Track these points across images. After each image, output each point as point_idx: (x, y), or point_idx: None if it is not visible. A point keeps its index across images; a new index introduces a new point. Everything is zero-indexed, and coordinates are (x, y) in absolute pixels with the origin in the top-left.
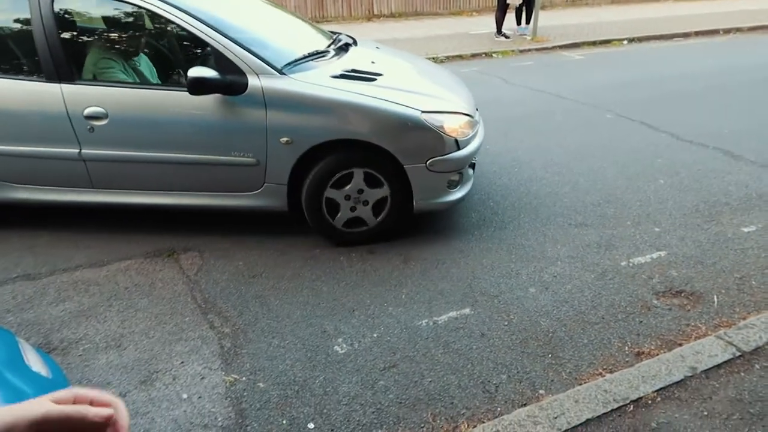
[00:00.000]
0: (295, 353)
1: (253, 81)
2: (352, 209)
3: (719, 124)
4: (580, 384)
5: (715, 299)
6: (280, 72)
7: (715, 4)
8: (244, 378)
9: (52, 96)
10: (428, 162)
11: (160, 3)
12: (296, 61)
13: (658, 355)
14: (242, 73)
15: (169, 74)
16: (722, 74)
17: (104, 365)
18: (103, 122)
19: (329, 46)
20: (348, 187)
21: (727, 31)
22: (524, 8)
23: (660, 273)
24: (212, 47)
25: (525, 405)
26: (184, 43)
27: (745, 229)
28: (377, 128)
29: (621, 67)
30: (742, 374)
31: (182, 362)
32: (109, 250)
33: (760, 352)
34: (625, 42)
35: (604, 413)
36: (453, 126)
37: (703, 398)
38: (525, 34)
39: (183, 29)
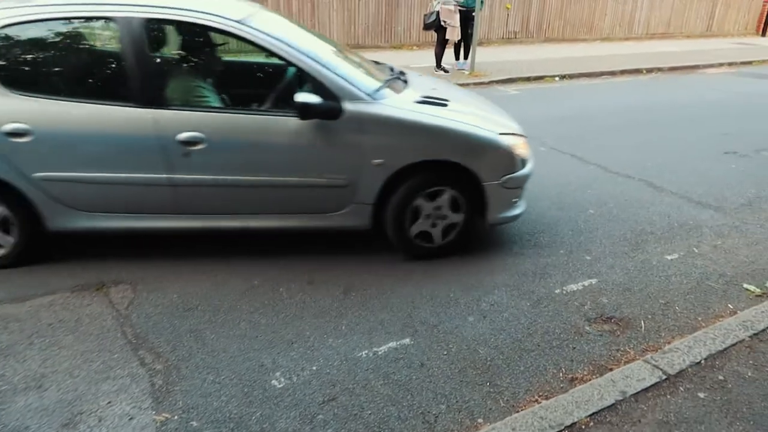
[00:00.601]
0: (231, 389)
1: (346, 106)
2: (434, 225)
3: (643, 158)
4: (518, 411)
5: (643, 324)
6: (371, 98)
7: (638, 45)
8: (176, 417)
9: (142, 121)
10: (502, 179)
11: (254, 32)
12: (379, 88)
13: (590, 380)
14: (337, 99)
15: (264, 100)
16: (646, 111)
17: (22, 408)
18: (200, 147)
19: (392, 75)
20: (431, 204)
21: (650, 71)
22: (462, 44)
23: (591, 300)
24: (309, 74)
25: None
26: (277, 70)
27: (669, 257)
28: (462, 149)
29: (553, 102)
30: (668, 397)
31: (109, 402)
32: (32, 283)
33: (684, 375)
34: (557, 78)
35: None
36: (519, 146)
37: (632, 422)
38: (463, 69)
39: (280, 57)
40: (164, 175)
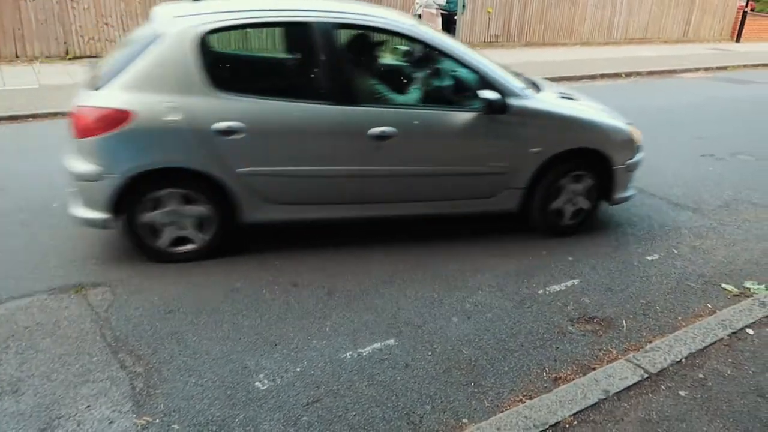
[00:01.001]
0: (214, 391)
1: (510, 101)
2: (568, 204)
3: None
4: (502, 411)
5: (624, 324)
6: (523, 95)
7: (617, 50)
8: (157, 420)
9: (338, 118)
10: (626, 163)
11: (433, 37)
12: (524, 87)
13: (573, 379)
14: (504, 95)
15: (443, 97)
16: (625, 114)
17: None
18: (390, 141)
19: (523, 76)
20: (571, 186)
21: (629, 75)
22: None
23: (574, 300)
24: (481, 74)
25: None
26: (452, 70)
27: (649, 258)
28: (601, 138)
29: None
30: (650, 395)
31: (88, 406)
32: (7, 286)
33: (665, 374)
34: None
35: None
36: (637, 134)
37: (615, 420)
38: None
39: (454, 58)
40: (355, 167)
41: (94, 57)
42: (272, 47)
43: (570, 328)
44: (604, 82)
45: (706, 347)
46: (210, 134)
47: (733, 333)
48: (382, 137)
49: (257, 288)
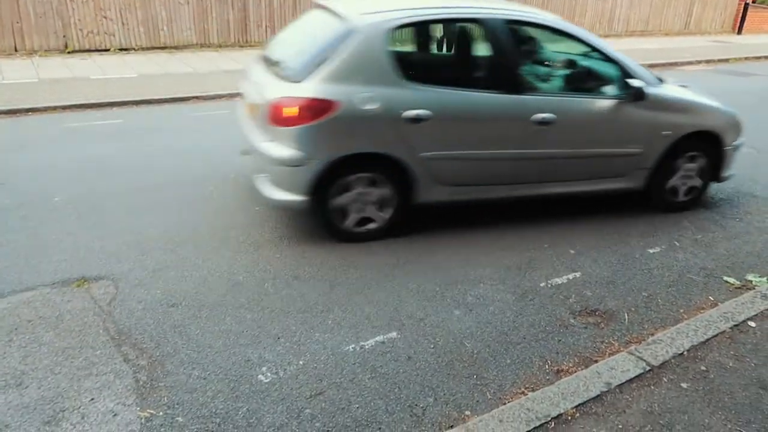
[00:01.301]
0: (217, 384)
1: (647, 90)
2: (683, 182)
3: None
4: (504, 403)
5: (626, 317)
6: (658, 84)
7: (618, 42)
8: (161, 413)
9: (509, 105)
10: (733, 144)
11: (583, 34)
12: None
13: (576, 372)
14: (643, 84)
15: (592, 86)
16: None
17: (2, 406)
18: (550, 126)
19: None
20: (687, 165)
21: None
22: None
23: (576, 293)
24: (624, 65)
25: (452, 427)
26: (596, 61)
27: (651, 250)
28: (718, 121)
29: None
30: (652, 387)
31: (92, 399)
32: (10, 279)
33: (667, 366)
34: None
35: (528, 431)
36: (741, 119)
37: (617, 412)
38: None
39: (602, 53)
40: (517, 151)
41: (93, 51)
42: (456, 41)
43: (572, 320)
44: None
45: (708, 340)
46: (401, 122)
47: (735, 325)
48: (543, 123)
49: (259, 281)
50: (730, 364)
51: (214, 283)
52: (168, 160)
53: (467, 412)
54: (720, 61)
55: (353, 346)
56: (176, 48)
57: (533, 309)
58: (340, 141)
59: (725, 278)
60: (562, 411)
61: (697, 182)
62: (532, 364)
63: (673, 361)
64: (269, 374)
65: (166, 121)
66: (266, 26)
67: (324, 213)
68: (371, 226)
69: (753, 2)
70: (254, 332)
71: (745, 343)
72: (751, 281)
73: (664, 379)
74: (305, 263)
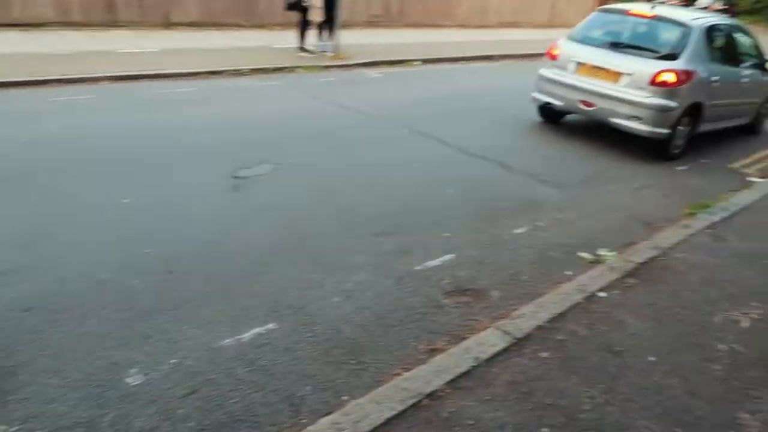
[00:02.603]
0: (80, 392)
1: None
2: None
3: (494, 139)
4: (381, 385)
5: (494, 294)
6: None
7: (491, 32)
8: (13, 428)
9: (739, 74)
10: None
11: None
12: None
13: (448, 349)
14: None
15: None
16: (497, 95)
17: None
18: (746, 84)
19: None
20: None
21: (503, 57)
22: (326, 25)
23: (449, 274)
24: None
25: (329, 413)
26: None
27: (517, 231)
28: None
29: (415, 86)
30: (516, 359)
31: None
32: None
33: (529, 338)
34: (418, 63)
35: (403, 410)
36: None
37: (486, 385)
38: (327, 51)
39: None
40: (737, 100)
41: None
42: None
43: (445, 300)
44: (480, 64)
45: (565, 311)
46: (710, 84)
47: (588, 297)
48: (744, 82)
49: (127, 279)
50: (583, 332)
51: (75, 282)
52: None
53: (345, 397)
54: None
55: (230, 340)
56: (30, 26)
57: (409, 292)
58: (693, 95)
59: (580, 254)
60: (435, 388)
61: None
62: (408, 345)
63: (534, 333)
64: (138, 376)
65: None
66: (137, 5)
67: (671, 141)
68: (676, 151)
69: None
70: (121, 333)
71: (596, 312)
72: (602, 255)
73: (527, 350)
74: (179, 257)
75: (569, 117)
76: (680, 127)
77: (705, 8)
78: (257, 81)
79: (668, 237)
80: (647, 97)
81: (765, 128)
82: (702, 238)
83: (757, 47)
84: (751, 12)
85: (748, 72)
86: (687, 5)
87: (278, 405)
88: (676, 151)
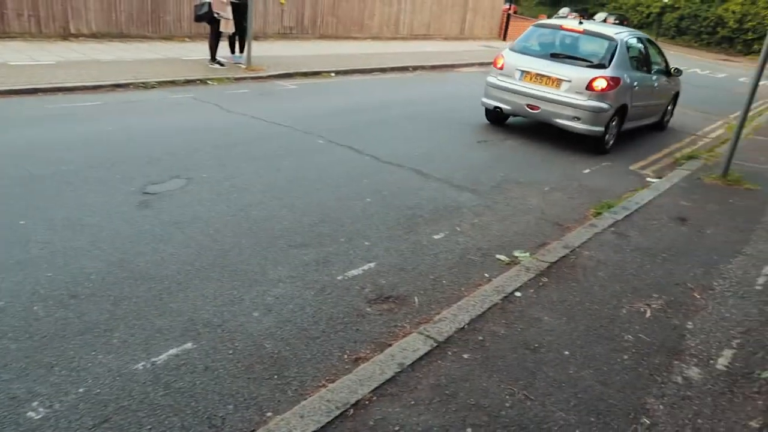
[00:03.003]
0: None
1: (672, 72)
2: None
3: (411, 147)
4: (305, 399)
5: (416, 300)
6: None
7: (404, 44)
8: None
9: (651, 79)
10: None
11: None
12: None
13: (372, 357)
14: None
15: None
16: (412, 104)
17: None
18: (655, 88)
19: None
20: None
21: (415, 68)
22: (237, 37)
23: (371, 282)
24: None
25: (253, 431)
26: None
27: (436, 236)
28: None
29: (330, 97)
30: (439, 362)
31: None
32: None
33: (451, 341)
34: (333, 74)
35: (328, 422)
36: None
37: (410, 390)
38: (240, 63)
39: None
40: (648, 102)
41: None
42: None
43: (368, 309)
44: (394, 75)
45: (484, 312)
46: (632, 88)
47: (505, 297)
48: (654, 86)
49: (27, 304)
50: (502, 332)
51: None
52: None
53: (269, 414)
54: (490, 63)
55: (143, 363)
56: None
57: (331, 302)
58: (620, 98)
59: (497, 256)
60: (360, 397)
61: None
62: (332, 356)
63: (456, 335)
64: (41, 409)
65: None
66: (29, 16)
67: (605, 137)
68: (608, 146)
69: (515, 12)
70: (20, 364)
71: (513, 311)
72: (517, 257)
73: (449, 353)
74: (84, 280)
75: (480, 124)
76: (611, 126)
77: (604, 21)
78: (167, 93)
79: (577, 236)
80: (585, 100)
81: (670, 126)
82: (607, 236)
83: (662, 56)
84: (640, 26)
85: (657, 77)
86: (583, 20)
87: (198, 427)
88: (609, 146)
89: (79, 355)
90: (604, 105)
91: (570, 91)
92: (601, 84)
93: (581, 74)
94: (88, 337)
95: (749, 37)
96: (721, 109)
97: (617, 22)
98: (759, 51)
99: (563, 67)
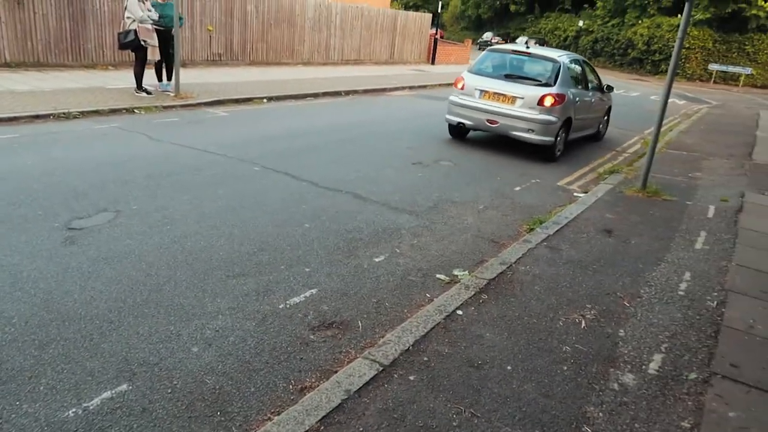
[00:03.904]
0: None
1: (608, 90)
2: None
3: (347, 172)
4: None
5: (360, 324)
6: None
7: (335, 69)
8: None
9: (588, 95)
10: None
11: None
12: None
13: (318, 386)
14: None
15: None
16: (346, 129)
17: None
18: (592, 103)
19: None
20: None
21: (347, 93)
22: (164, 64)
23: (314, 309)
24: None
25: None
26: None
27: (377, 259)
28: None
29: (263, 123)
30: (386, 386)
31: None
32: None
33: (396, 363)
34: (265, 100)
35: None
36: None
37: (358, 416)
38: (168, 91)
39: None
40: (587, 116)
41: None
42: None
43: (311, 336)
44: (327, 100)
45: (427, 333)
46: (574, 103)
47: (448, 316)
48: (591, 101)
49: None
50: (446, 351)
51: None
52: None
53: None
54: (420, 87)
55: (75, 409)
56: None
57: (274, 332)
58: (565, 113)
59: (438, 276)
60: (307, 428)
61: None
62: (277, 387)
63: (401, 357)
64: None
65: None
66: None
67: (555, 147)
68: (558, 154)
69: (441, 38)
70: None
71: (456, 330)
72: (456, 275)
73: (395, 376)
74: (4, 324)
75: (414, 146)
76: (559, 136)
77: (526, 44)
78: (91, 124)
79: (513, 252)
80: (537, 114)
81: (598, 142)
82: (541, 250)
83: (595, 74)
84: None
85: (593, 93)
86: (506, 42)
87: None
88: (558, 154)
89: (0, 406)
90: (552, 118)
91: (524, 106)
92: (549, 100)
93: (532, 92)
94: (11, 386)
95: (657, 58)
96: (637, 125)
97: (537, 45)
98: (666, 71)
99: (516, 86)
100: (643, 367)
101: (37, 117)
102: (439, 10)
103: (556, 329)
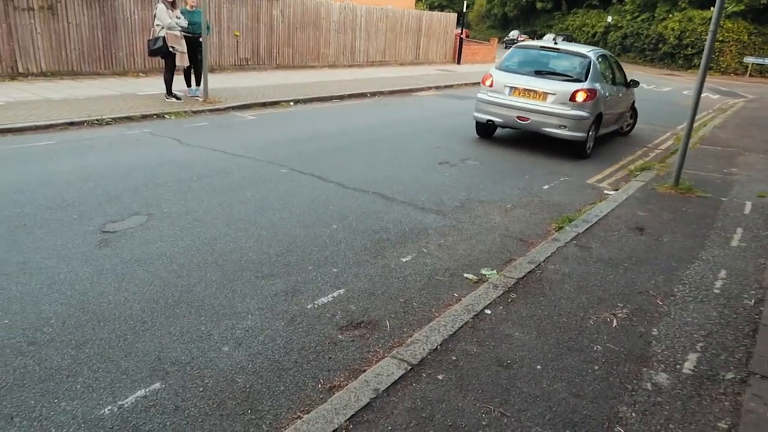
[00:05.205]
0: None
1: (632, 85)
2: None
3: (374, 172)
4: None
5: (388, 324)
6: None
7: (361, 71)
8: None
9: (618, 90)
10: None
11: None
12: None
13: (347, 385)
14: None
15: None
16: (372, 130)
17: None
18: (620, 97)
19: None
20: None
21: (373, 94)
22: (193, 70)
23: (341, 309)
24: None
25: None
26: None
27: (404, 259)
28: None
29: (290, 126)
30: (414, 385)
31: None
32: None
33: (425, 363)
34: (292, 103)
35: None
36: None
37: (386, 415)
38: (197, 96)
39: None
40: (617, 111)
41: None
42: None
43: (340, 336)
44: (353, 102)
45: (455, 332)
46: (604, 99)
47: (476, 315)
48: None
49: None
50: (474, 350)
51: None
52: None
53: None
54: (446, 87)
55: (110, 407)
56: None
57: (302, 331)
58: (597, 108)
59: (465, 275)
60: (336, 426)
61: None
62: (306, 386)
63: (429, 357)
64: None
65: None
66: None
67: (587, 143)
68: (589, 150)
69: (467, 37)
70: None
71: (484, 329)
72: (485, 275)
73: (423, 375)
74: (42, 326)
75: (440, 146)
76: (591, 132)
77: (554, 40)
78: (123, 130)
79: (541, 251)
80: (569, 110)
81: (622, 139)
82: (570, 249)
83: (621, 69)
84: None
85: (619, 88)
86: (533, 39)
87: None
88: (589, 150)
89: (40, 404)
90: (585, 113)
91: (555, 102)
92: (581, 96)
93: (564, 88)
94: (50, 384)
95: (689, 52)
96: (669, 121)
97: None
98: (699, 65)
99: (547, 82)
100: (678, 366)
101: (72, 124)
102: (465, 10)
103: (586, 328)
